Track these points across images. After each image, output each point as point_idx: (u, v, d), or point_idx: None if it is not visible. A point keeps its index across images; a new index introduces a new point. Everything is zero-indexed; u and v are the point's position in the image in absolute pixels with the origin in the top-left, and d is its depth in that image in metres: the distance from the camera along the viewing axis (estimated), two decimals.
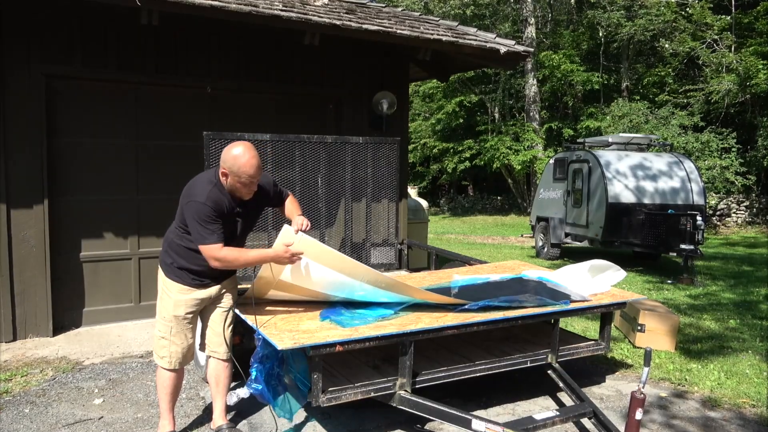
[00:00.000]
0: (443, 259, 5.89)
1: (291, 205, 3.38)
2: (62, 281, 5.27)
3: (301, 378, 3.07)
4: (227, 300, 3.23)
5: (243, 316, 3.29)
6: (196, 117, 5.71)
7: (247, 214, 3.15)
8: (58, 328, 5.23)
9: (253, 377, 2.92)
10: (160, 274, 3.13)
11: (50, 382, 4.13)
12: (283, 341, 2.90)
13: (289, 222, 3.25)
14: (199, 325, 3.28)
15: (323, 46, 5.50)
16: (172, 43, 5.53)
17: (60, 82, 5.19)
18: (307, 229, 3.14)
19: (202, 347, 3.28)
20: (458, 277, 4.56)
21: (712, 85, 17.91)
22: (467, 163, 24.43)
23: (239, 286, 3.43)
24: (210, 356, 3.26)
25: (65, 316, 5.32)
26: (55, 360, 4.57)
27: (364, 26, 5.29)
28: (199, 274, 3.07)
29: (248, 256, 3.01)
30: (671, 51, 19.40)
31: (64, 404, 3.76)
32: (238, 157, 2.89)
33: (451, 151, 25.26)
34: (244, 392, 3.01)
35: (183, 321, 3.09)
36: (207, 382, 3.46)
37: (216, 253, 2.90)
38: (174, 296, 3.06)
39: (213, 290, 3.14)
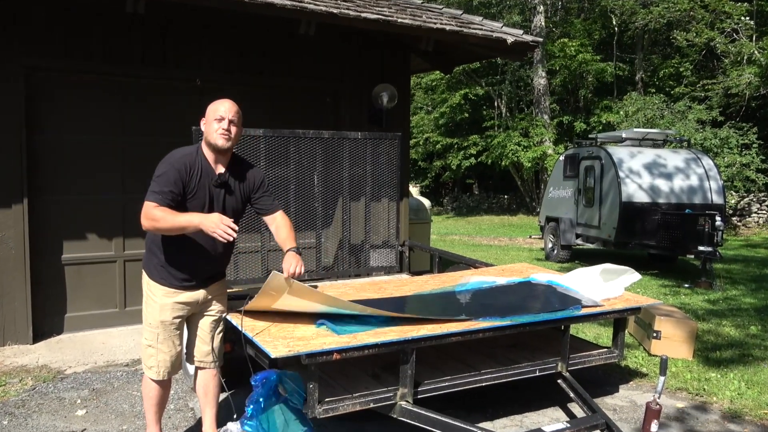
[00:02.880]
0: (447, 262, 5.89)
1: (283, 229, 3.23)
2: (43, 285, 5.26)
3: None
4: (216, 307, 3.21)
5: (234, 323, 3.29)
6: (185, 111, 5.69)
7: (229, 191, 3.05)
8: (39, 335, 5.23)
9: (248, 414, 2.90)
10: (144, 277, 3.11)
11: (30, 392, 4.13)
12: (276, 349, 2.90)
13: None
14: (185, 334, 3.26)
15: (320, 36, 5.49)
16: (161, 34, 5.53)
17: (41, 75, 5.19)
18: (300, 274, 3.04)
19: (190, 359, 3.26)
20: (463, 280, 4.56)
21: (731, 78, 17.90)
22: (472, 160, 24.43)
23: (233, 290, 3.43)
24: (198, 366, 3.25)
25: (46, 322, 5.31)
26: (36, 368, 4.57)
27: (363, 15, 5.29)
28: (185, 270, 3.02)
29: (174, 219, 2.83)
30: (687, 42, 19.39)
31: (44, 416, 3.76)
32: (215, 102, 3.09)
33: (455, 146, 25.27)
34: (236, 428, 3.01)
35: (170, 327, 3.07)
36: (195, 393, 3.45)
37: (148, 209, 2.82)
38: (159, 300, 3.05)
39: (200, 294, 3.12)
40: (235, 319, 3.32)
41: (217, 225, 2.77)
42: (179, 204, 2.91)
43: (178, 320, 3.09)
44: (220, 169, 3.05)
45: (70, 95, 5.34)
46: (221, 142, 2.99)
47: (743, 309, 6.98)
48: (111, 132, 5.52)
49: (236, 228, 2.82)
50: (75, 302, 5.46)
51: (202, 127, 3.08)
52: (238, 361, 3.39)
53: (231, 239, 2.82)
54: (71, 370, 4.57)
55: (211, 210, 2.99)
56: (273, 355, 2.87)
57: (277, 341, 3.00)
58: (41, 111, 5.23)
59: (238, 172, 3.13)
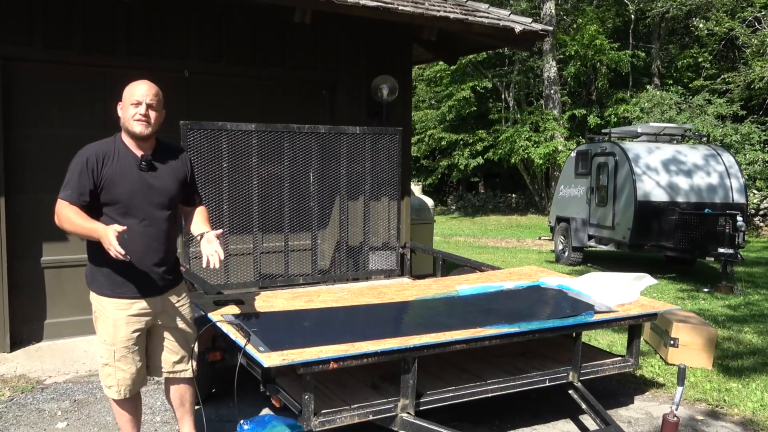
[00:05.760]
0: (451, 265, 5.89)
1: (201, 217, 3.24)
2: (21, 290, 5.26)
3: None
4: (180, 316, 3.16)
5: (225, 330, 3.29)
6: (172, 104, 5.68)
7: (158, 173, 3.01)
8: (17, 343, 5.22)
9: None
10: (91, 293, 3.02)
11: (7, 403, 4.13)
12: (270, 358, 2.90)
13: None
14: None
15: (316, 25, 5.49)
16: (146, 22, 5.53)
17: (18, 66, 5.19)
18: (215, 265, 2.98)
19: (156, 371, 3.20)
20: (468, 285, 4.56)
21: (753, 70, 17.89)
22: (480, 158, 24.40)
23: (226, 292, 3.43)
24: (168, 378, 3.23)
25: (24, 329, 5.31)
26: (13, 378, 4.57)
27: (362, 2, 5.29)
28: (130, 273, 2.92)
29: (80, 224, 2.79)
30: (707, 32, 19.38)
31: (23, 428, 3.76)
32: (131, 84, 3.01)
33: (461, 143, 25.26)
34: None
35: (128, 342, 2.99)
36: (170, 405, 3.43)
37: (59, 207, 2.82)
38: (111, 315, 2.96)
39: (155, 304, 3.04)
40: (226, 327, 3.32)
41: (108, 242, 2.67)
42: (96, 197, 2.87)
43: (136, 334, 3.01)
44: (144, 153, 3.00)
45: (50, 87, 5.33)
46: (139, 129, 2.93)
47: (766, 315, 6.98)
48: (94, 126, 5.50)
49: (123, 253, 2.66)
50: (55, 308, 5.45)
51: (119, 112, 3.00)
52: (229, 370, 3.39)
53: (124, 258, 2.68)
54: (51, 380, 4.57)
55: (141, 195, 2.94)
56: (266, 365, 2.87)
57: (271, 349, 3.00)
58: (19, 104, 5.23)
59: (165, 154, 3.08)
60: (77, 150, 4.97)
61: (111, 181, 2.89)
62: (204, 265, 3.01)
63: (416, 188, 12.18)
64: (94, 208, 2.90)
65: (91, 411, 4.03)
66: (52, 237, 5.41)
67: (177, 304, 3.17)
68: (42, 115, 5.33)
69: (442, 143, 26.04)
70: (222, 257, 3.00)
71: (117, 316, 2.97)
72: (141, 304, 3.00)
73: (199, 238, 3.11)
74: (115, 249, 2.66)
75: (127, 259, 2.71)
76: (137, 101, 2.93)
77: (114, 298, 2.96)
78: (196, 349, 3.23)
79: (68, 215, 2.80)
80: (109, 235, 2.67)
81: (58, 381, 4.56)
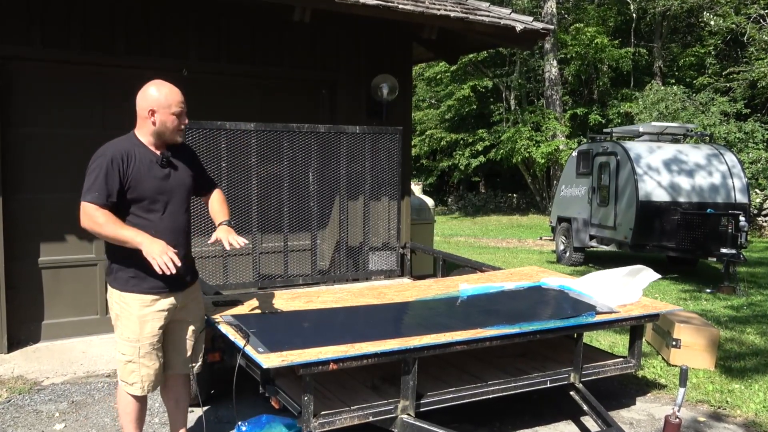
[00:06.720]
0: (451, 265, 5.90)
1: (218, 204, 3.35)
2: (18, 290, 5.26)
3: None
4: (193, 313, 3.20)
5: (224, 331, 3.30)
6: None
7: (176, 168, 3.10)
8: (14, 344, 5.23)
9: None
10: (114, 292, 3.04)
11: (4, 404, 4.13)
12: (269, 359, 2.91)
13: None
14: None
15: (315, 24, 5.50)
16: (145, 22, 5.54)
17: (16, 65, 5.19)
18: (235, 246, 3.12)
19: (166, 368, 3.22)
20: (468, 285, 4.57)
21: (758, 67, 17.89)
22: (482, 158, 24.41)
23: (225, 292, 3.44)
24: (173, 375, 3.24)
25: (22, 330, 5.32)
26: (10, 380, 4.58)
27: (362, 0, 5.29)
28: (150, 269, 2.93)
29: (118, 231, 2.84)
30: (715, 27, 19.36)
31: (20, 430, 3.76)
32: (159, 88, 3.02)
33: (462, 142, 25.27)
34: None
35: (153, 338, 3.04)
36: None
37: (90, 210, 2.83)
38: (137, 312, 2.99)
39: (177, 299, 3.08)
40: (225, 327, 3.33)
41: (160, 253, 2.77)
42: (123, 196, 2.91)
43: (160, 331, 3.06)
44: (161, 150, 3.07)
45: (48, 86, 5.33)
46: (180, 139, 3.07)
47: None
48: (91, 126, 5.52)
49: (178, 262, 2.79)
50: (53, 308, 5.46)
51: (150, 116, 2.99)
52: (227, 371, 3.39)
53: (170, 272, 2.76)
54: (49, 381, 4.57)
55: (164, 191, 3.01)
56: (265, 366, 2.87)
57: (270, 350, 3.01)
58: (16, 104, 5.23)
59: (176, 150, 3.15)
60: (77, 150, 5.01)
61: (136, 180, 2.95)
62: (227, 247, 3.13)
63: (416, 188, 12.19)
64: (119, 208, 2.93)
65: (89, 412, 4.04)
66: (50, 237, 5.42)
67: (194, 300, 3.22)
68: (39, 114, 5.33)
69: (443, 143, 26.04)
70: (235, 244, 3.12)
71: (142, 313, 3.00)
72: (166, 300, 3.05)
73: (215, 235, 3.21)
74: (159, 264, 2.74)
75: (173, 272, 2.77)
76: (179, 110, 3.02)
77: (139, 294, 2.99)
78: (200, 347, 3.27)
79: (105, 220, 2.82)
80: (159, 249, 2.77)
81: (55, 382, 4.57)
